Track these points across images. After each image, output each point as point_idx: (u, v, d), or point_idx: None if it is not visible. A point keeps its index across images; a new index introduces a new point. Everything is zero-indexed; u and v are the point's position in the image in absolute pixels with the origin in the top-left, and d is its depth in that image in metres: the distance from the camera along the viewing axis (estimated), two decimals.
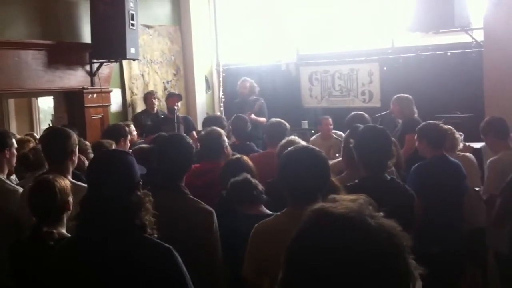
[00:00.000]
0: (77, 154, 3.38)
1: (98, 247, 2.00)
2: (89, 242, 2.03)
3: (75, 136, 3.42)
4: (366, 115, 5.30)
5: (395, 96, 6.01)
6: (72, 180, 3.14)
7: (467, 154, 4.69)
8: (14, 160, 3.69)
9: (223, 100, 9.06)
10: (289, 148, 2.76)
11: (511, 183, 3.53)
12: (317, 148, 2.77)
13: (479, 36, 6.64)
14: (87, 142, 4.55)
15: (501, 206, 3.64)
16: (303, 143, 4.29)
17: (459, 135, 4.73)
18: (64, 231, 2.68)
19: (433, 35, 6.92)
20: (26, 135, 5.81)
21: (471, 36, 6.68)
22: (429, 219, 3.80)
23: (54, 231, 2.60)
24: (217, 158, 4.09)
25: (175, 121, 6.84)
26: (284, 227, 2.47)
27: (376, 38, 7.93)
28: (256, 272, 2.54)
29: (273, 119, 5.19)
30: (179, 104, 7.37)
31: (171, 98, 7.52)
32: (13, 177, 4.26)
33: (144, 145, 4.61)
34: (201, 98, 8.97)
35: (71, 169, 3.30)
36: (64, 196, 2.72)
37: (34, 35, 6.73)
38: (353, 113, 5.31)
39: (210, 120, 5.79)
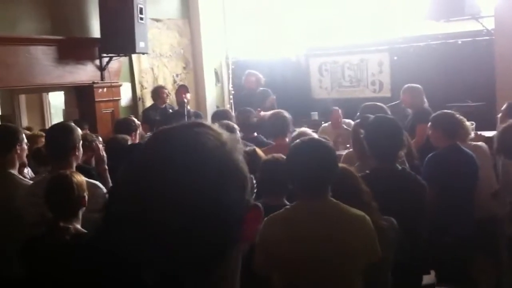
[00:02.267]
0: (81, 149, 3.40)
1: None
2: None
3: (78, 131, 3.44)
4: (384, 106, 5.25)
5: (406, 86, 5.98)
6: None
7: (480, 143, 4.66)
8: (25, 155, 3.72)
9: (233, 92, 9.05)
10: (296, 141, 2.78)
11: None
12: (324, 140, 2.78)
13: (490, 24, 6.57)
14: (93, 135, 4.56)
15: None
16: (314, 134, 4.31)
17: (470, 124, 4.70)
18: (79, 226, 2.71)
19: (443, 23, 6.87)
20: (39, 130, 5.85)
21: (481, 24, 6.62)
22: (442, 209, 3.80)
23: (70, 226, 2.63)
24: None
25: (186, 115, 6.84)
26: (293, 221, 2.50)
27: (386, 28, 7.88)
28: (266, 266, 2.55)
29: (275, 111, 5.22)
30: (188, 96, 7.39)
31: (178, 91, 7.57)
32: (27, 170, 4.30)
33: None
34: (210, 91, 8.97)
35: (74, 164, 3.33)
36: (80, 192, 2.75)
37: (44, 31, 6.76)
38: (366, 103, 5.25)
39: (218, 114, 5.86)
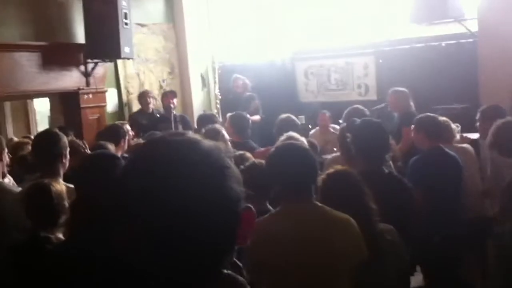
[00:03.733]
0: (68, 156, 3.39)
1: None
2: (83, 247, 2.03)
3: (65, 139, 3.44)
4: (364, 109, 5.31)
5: (392, 90, 6.03)
6: (63, 182, 3.16)
7: (465, 145, 4.71)
8: (4, 164, 3.68)
9: (219, 97, 9.05)
10: (275, 146, 2.82)
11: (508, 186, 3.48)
12: (303, 144, 2.82)
13: (473, 26, 6.64)
14: (80, 142, 4.53)
15: (502, 209, 3.59)
16: (303, 139, 4.34)
17: (455, 126, 4.75)
18: (61, 235, 2.68)
19: (427, 26, 6.94)
20: (23, 137, 5.80)
21: (465, 26, 6.68)
22: (429, 210, 3.83)
23: (51, 235, 2.61)
24: None
25: (172, 120, 6.85)
26: (279, 227, 2.51)
27: (371, 31, 7.93)
28: (255, 271, 2.55)
29: (283, 115, 5.34)
30: (175, 101, 7.42)
31: (166, 96, 7.58)
32: (7, 180, 4.25)
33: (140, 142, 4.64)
34: (197, 96, 8.95)
35: (62, 172, 3.32)
36: (60, 201, 2.72)
37: (27, 37, 6.70)
38: (350, 107, 5.32)
39: (204, 118, 5.88)
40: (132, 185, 0.89)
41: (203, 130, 4.76)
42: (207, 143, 0.94)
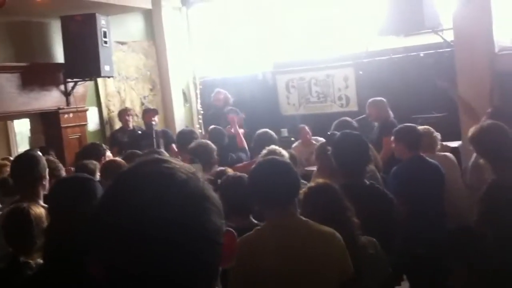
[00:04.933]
0: (47, 177, 3.37)
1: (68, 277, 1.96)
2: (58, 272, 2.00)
3: (44, 161, 3.42)
4: (352, 120, 5.34)
5: (370, 100, 6.10)
6: (43, 204, 3.13)
7: (447, 154, 4.75)
8: None
9: (202, 112, 9.05)
10: (257, 162, 2.82)
11: (490, 191, 3.51)
12: (285, 159, 2.83)
13: (450, 36, 6.73)
14: (56, 161, 4.49)
15: (480, 216, 3.61)
16: (284, 152, 4.35)
17: (436, 135, 4.79)
18: (40, 260, 2.64)
19: (405, 37, 7.02)
20: (3, 159, 5.73)
21: (441, 36, 6.78)
22: (412, 221, 3.85)
23: (31, 261, 2.57)
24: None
25: (154, 136, 6.84)
26: (263, 243, 2.51)
27: (350, 43, 8.01)
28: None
29: (261, 130, 5.35)
30: (156, 118, 7.43)
31: (147, 113, 7.58)
32: None
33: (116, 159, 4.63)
34: (179, 112, 8.94)
35: (42, 194, 3.31)
36: (39, 224, 2.69)
37: (7, 58, 6.66)
38: (338, 119, 5.32)
39: (183, 134, 5.91)
40: (107, 221, 0.88)
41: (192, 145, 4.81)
42: (184, 172, 0.92)
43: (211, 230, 0.89)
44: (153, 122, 7.12)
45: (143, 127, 7.69)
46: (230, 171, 4.04)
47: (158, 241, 0.84)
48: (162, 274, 0.84)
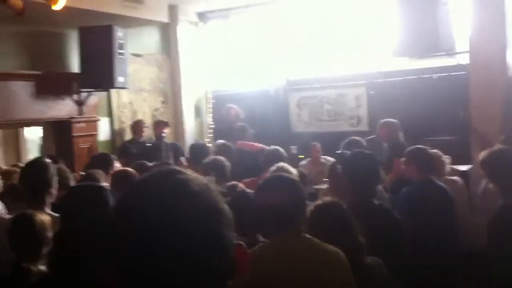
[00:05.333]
0: (56, 186, 3.38)
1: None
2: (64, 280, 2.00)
3: (53, 168, 3.43)
4: (362, 140, 5.35)
5: (382, 121, 6.08)
6: (50, 212, 3.14)
7: (455, 178, 4.72)
8: None
9: (213, 126, 9.08)
10: (263, 179, 2.81)
11: (499, 216, 3.48)
12: (291, 176, 2.81)
13: (465, 59, 6.73)
14: (67, 170, 4.52)
15: (490, 239, 3.57)
16: (293, 170, 4.35)
17: (446, 158, 4.77)
18: (43, 267, 2.64)
19: (420, 59, 7.02)
20: (12, 165, 5.77)
21: (455, 60, 6.77)
22: (421, 243, 3.81)
23: (34, 268, 2.57)
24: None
25: (163, 149, 6.88)
26: (266, 259, 2.49)
27: (363, 62, 8.02)
28: None
29: (271, 147, 5.46)
30: (165, 130, 7.47)
31: (158, 125, 7.63)
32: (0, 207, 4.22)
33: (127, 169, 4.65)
34: (190, 125, 8.97)
35: (49, 201, 3.32)
36: (43, 232, 2.69)
37: (23, 66, 6.75)
38: (348, 138, 5.34)
39: (195, 147, 5.93)
40: (121, 229, 0.89)
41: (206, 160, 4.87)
42: (197, 183, 0.92)
43: (221, 242, 0.90)
44: (163, 134, 7.16)
45: (153, 139, 7.72)
46: (241, 185, 4.05)
47: (169, 251, 0.85)
48: (173, 284, 0.85)
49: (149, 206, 0.88)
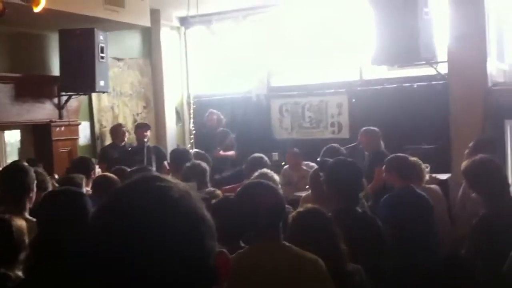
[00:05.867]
0: (35, 189, 3.34)
1: None
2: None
3: (32, 172, 3.39)
4: (341, 147, 5.41)
5: (363, 129, 6.12)
6: (29, 217, 3.10)
7: (433, 186, 4.77)
8: None
9: (194, 132, 9.05)
10: (242, 185, 2.81)
11: (481, 224, 3.52)
12: (270, 183, 2.81)
13: (444, 68, 6.81)
14: (44, 173, 4.45)
15: (470, 247, 3.61)
16: (275, 176, 4.35)
17: (425, 167, 4.81)
18: (20, 273, 2.60)
19: (400, 68, 7.10)
20: None
21: (435, 69, 6.85)
22: (401, 250, 3.84)
23: (10, 273, 2.52)
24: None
25: (145, 152, 6.83)
26: (244, 266, 2.48)
27: (345, 70, 8.08)
28: None
29: (256, 154, 5.52)
30: (148, 134, 7.42)
31: (140, 129, 7.57)
32: None
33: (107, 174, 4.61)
34: (171, 130, 8.94)
35: (28, 205, 3.28)
36: (20, 237, 2.65)
37: (2, 68, 6.65)
38: (327, 146, 5.40)
39: (177, 153, 5.92)
40: (98, 239, 0.87)
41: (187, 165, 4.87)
42: (177, 191, 0.90)
43: (201, 251, 0.88)
44: (145, 139, 7.11)
45: (135, 143, 7.67)
46: (218, 193, 4.05)
47: (145, 262, 0.83)
48: None
49: (125, 215, 0.87)
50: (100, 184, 4.21)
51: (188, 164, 4.92)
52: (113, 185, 3.82)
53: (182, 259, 0.85)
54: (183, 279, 0.85)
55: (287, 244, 2.53)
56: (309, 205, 3.03)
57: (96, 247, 0.87)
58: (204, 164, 4.87)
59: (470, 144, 4.82)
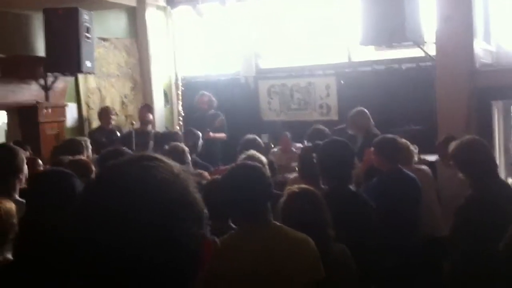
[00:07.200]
0: (25, 171, 3.32)
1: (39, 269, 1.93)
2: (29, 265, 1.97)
3: (22, 154, 3.37)
4: (325, 128, 5.42)
5: (353, 110, 6.12)
6: (19, 198, 3.09)
7: (423, 167, 4.80)
8: None
9: (182, 114, 9.01)
10: (229, 167, 2.82)
11: (467, 206, 3.55)
12: (256, 164, 2.82)
13: (432, 50, 6.82)
14: (35, 157, 4.44)
15: (455, 229, 3.65)
16: (263, 158, 4.35)
17: (413, 148, 4.84)
18: (9, 255, 2.59)
19: (388, 49, 7.09)
20: None
21: (423, 50, 6.86)
22: (384, 233, 3.87)
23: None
24: None
25: (151, 135, 6.88)
26: (236, 246, 2.49)
27: (333, 52, 8.07)
28: None
29: (250, 136, 5.47)
30: (150, 115, 7.48)
31: (142, 109, 7.76)
32: None
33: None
34: (159, 112, 8.88)
35: (18, 187, 3.27)
36: (9, 219, 2.62)
37: None
38: (312, 127, 5.41)
39: (166, 136, 5.90)
40: (81, 222, 0.87)
41: (166, 147, 4.80)
42: (165, 173, 0.89)
43: (182, 237, 0.86)
44: (149, 119, 7.25)
45: (121, 126, 7.65)
46: (205, 175, 4.05)
47: (125, 246, 0.83)
48: (131, 280, 0.83)
49: (103, 195, 0.87)
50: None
51: (166, 146, 4.93)
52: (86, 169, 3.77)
53: (157, 241, 0.84)
54: (158, 264, 0.84)
55: (277, 224, 2.55)
56: (302, 186, 3.04)
57: (76, 228, 0.87)
58: (182, 145, 4.88)
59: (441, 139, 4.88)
